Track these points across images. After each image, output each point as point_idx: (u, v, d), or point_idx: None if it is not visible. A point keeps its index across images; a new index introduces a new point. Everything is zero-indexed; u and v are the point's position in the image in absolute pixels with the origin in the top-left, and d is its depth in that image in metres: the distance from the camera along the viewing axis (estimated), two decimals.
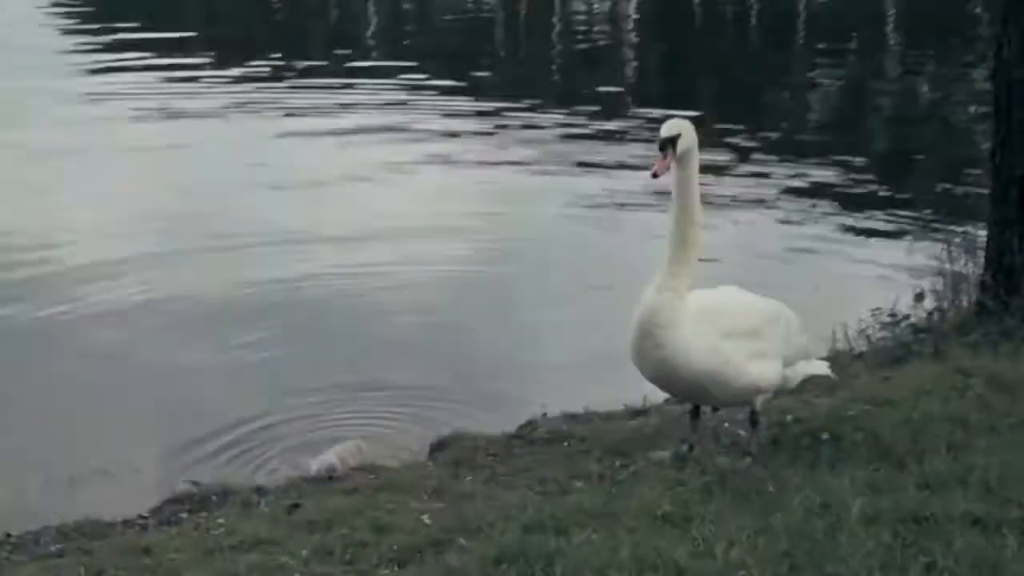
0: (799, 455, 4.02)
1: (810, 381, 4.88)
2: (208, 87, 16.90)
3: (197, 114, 14.82)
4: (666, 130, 3.71)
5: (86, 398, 6.24)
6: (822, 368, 4.56)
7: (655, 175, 3.69)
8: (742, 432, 4.50)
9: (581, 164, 12.47)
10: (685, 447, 4.35)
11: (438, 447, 5.16)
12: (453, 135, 13.89)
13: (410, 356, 7.34)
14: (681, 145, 3.70)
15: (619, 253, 9.08)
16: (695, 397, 4.17)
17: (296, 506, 3.83)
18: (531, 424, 5.43)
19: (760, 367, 3.96)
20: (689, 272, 3.87)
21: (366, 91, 16.46)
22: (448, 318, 8.09)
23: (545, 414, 5.60)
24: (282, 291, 8.20)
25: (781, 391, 4.31)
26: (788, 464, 3.92)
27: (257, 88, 16.60)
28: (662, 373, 3.86)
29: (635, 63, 22.53)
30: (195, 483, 4.53)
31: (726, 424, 4.72)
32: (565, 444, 4.75)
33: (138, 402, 6.13)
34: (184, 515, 4.04)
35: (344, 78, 17.30)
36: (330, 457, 5.28)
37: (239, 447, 5.70)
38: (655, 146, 3.79)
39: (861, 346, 6.45)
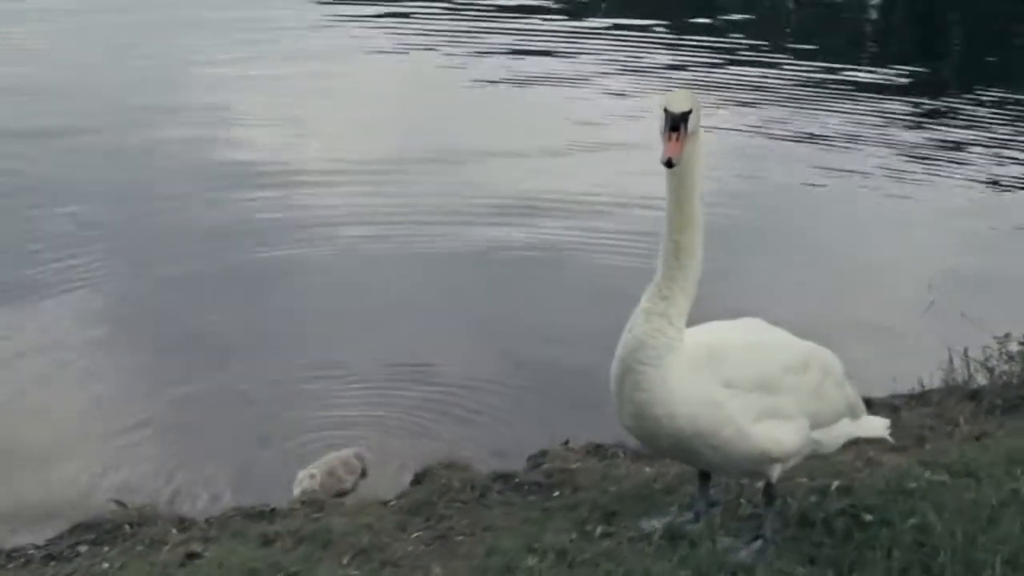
0: (824, 546, 3.09)
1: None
2: None
3: None
4: (677, 103, 2.82)
5: None
6: (875, 429, 3.55)
7: (671, 163, 2.77)
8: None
9: None
10: (689, 515, 3.47)
11: (418, 478, 4.44)
12: None
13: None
14: (693, 122, 2.83)
15: None
16: (686, 460, 3.29)
17: (194, 556, 3.20)
18: (541, 456, 4.70)
19: (773, 430, 3.01)
20: (686, 292, 2.95)
21: None
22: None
23: (567, 442, 4.87)
24: None
25: (812, 457, 3.36)
26: (807, 559, 3.01)
27: None
28: (642, 425, 2.97)
29: None
30: (120, 504, 3.95)
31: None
32: (556, 493, 3.95)
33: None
34: (83, 548, 3.47)
35: None
36: (306, 480, 4.77)
37: (220, 447, 5.13)
38: (660, 125, 2.85)
39: (980, 380, 5.38)
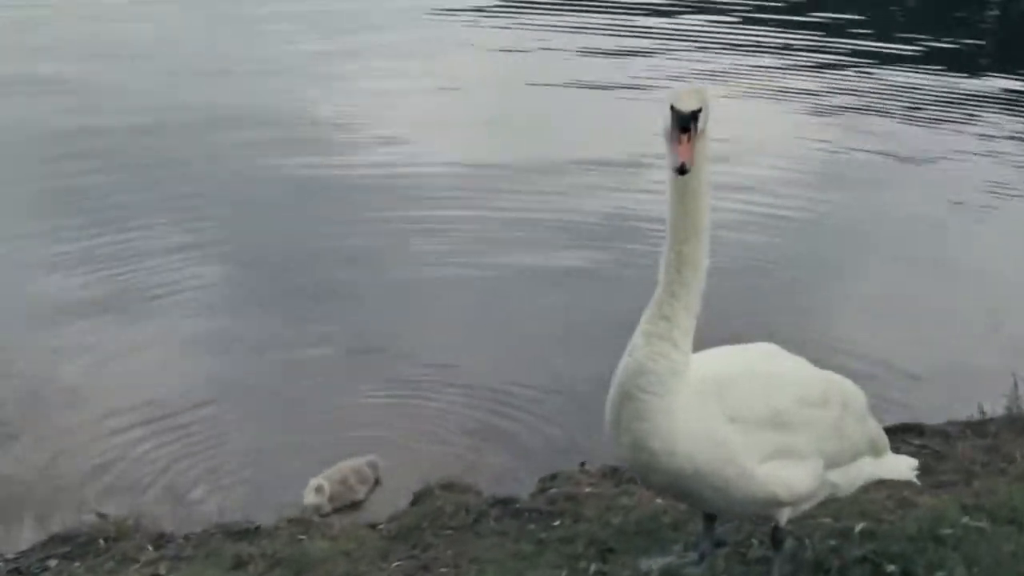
0: None
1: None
2: None
3: None
4: (686, 101, 2.51)
5: None
6: (899, 470, 3.18)
7: (684, 168, 2.44)
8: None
9: None
10: (693, 556, 3.17)
11: (416, 499, 4.21)
12: None
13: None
14: (702, 121, 2.53)
15: None
16: (685, 501, 2.98)
17: None
18: (551, 479, 4.44)
19: (782, 471, 2.68)
20: (689, 309, 2.64)
21: None
22: None
23: (583, 464, 4.64)
24: None
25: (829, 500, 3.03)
26: None
27: None
28: (638, 458, 2.67)
29: None
30: (100, 515, 3.81)
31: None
32: (556, 523, 3.67)
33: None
34: (52, 563, 3.32)
35: None
36: (311, 494, 4.60)
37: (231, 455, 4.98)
38: (665, 126, 2.53)
39: None
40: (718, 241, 2.76)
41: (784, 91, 12.76)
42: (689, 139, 2.49)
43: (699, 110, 2.52)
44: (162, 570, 3.12)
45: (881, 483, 3.24)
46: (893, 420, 4.73)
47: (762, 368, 2.87)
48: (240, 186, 9.00)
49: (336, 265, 7.41)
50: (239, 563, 3.18)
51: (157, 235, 7.77)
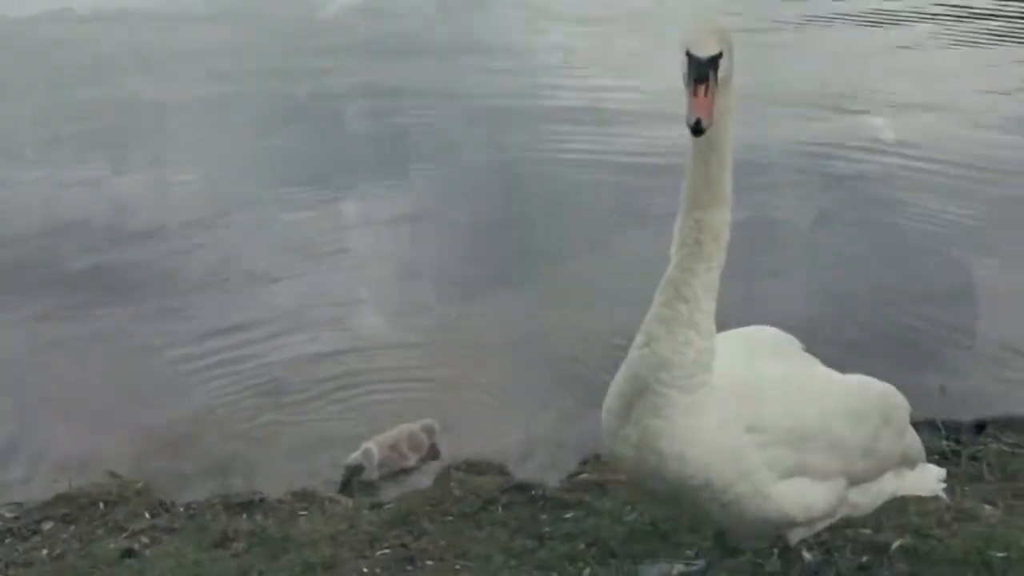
0: None
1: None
2: None
3: None
4: (703, 44, 2.09)
5: None
6: (924, 484, 2.77)
7: (699, 126, 2.03)
8: (808, 555, 2.89)
9: None
10: (700, 564, 2.88)
11: (447, 472, 3.99)
12: None
13: None
14: (724, 67, 2.13)
15: None
16: (683, 511, 2.67)
17: (130, 554, 2.93)
18: (583, 464, 4.16)
19: (800, 490, 2.35)
20: (709, 288, 2.27)
21: None
22: None
23: None
24: None
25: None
26: None
27: None
28: (643, 459, 2.33)
29: None
30: (114, 475, 3.77)
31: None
32: (567, 515, 3.41)
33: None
34: (47, 526, 3.27)
35: None
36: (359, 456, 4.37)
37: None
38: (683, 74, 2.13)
39: None
40: None
41: None
42: (707, 91, 2.09)
43: (719, 55, 2.11)
44: (143, 540, 3.03)
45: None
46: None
47: (790, 371, 2.51)
48: None
49: None
50: (223, 539, 3.06)
51: None
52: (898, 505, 3.06)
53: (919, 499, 3.11)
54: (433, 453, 4.65)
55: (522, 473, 4.07)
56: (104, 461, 4.11)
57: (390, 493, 4.13)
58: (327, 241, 6.95)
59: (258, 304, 6.02)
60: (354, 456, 4.41)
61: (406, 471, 4.55)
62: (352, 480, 4.36)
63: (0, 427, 4.43)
